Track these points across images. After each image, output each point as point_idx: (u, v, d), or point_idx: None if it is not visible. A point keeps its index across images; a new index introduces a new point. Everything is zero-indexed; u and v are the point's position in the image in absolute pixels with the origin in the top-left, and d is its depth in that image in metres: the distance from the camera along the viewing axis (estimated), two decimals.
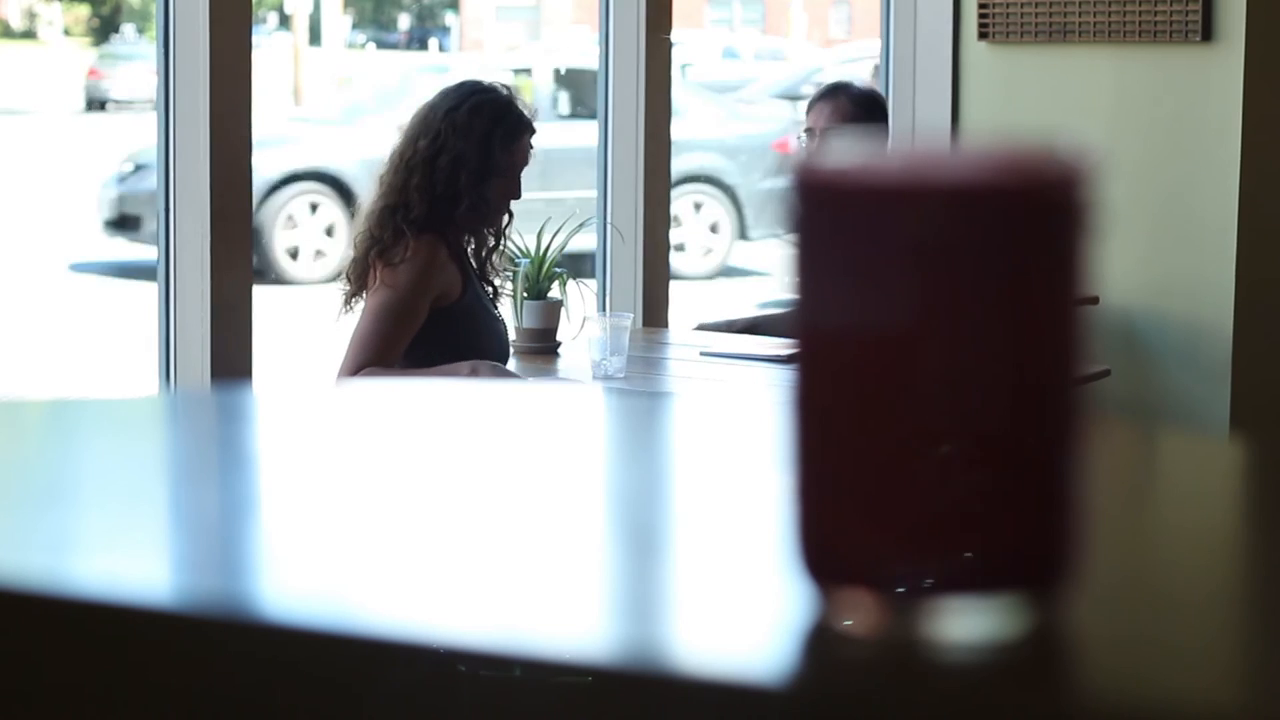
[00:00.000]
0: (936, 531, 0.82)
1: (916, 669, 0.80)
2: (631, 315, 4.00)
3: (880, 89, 4.70)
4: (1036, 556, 0.83)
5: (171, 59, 3.50)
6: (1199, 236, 4.41)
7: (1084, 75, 4.57)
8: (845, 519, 0.83)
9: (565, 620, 0.86)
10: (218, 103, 3.50)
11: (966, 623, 0.81)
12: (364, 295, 3.69)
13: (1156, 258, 4.45)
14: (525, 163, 3.76)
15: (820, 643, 0.83)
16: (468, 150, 3.68)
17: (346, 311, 3.74)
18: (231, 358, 3.57)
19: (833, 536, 0.84)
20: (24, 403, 1.42)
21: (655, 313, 4.61)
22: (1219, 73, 4.35)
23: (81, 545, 1.00)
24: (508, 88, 3.82)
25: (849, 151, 0.84)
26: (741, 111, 11.43)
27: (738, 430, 1.30)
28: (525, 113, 3.77)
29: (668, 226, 4.67)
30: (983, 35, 4.67)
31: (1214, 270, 4.37)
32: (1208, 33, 4.35)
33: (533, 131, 3.76)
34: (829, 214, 0.84)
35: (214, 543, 1.00)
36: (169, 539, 1.02)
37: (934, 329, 0.82)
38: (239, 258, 3.58)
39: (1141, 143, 4.46)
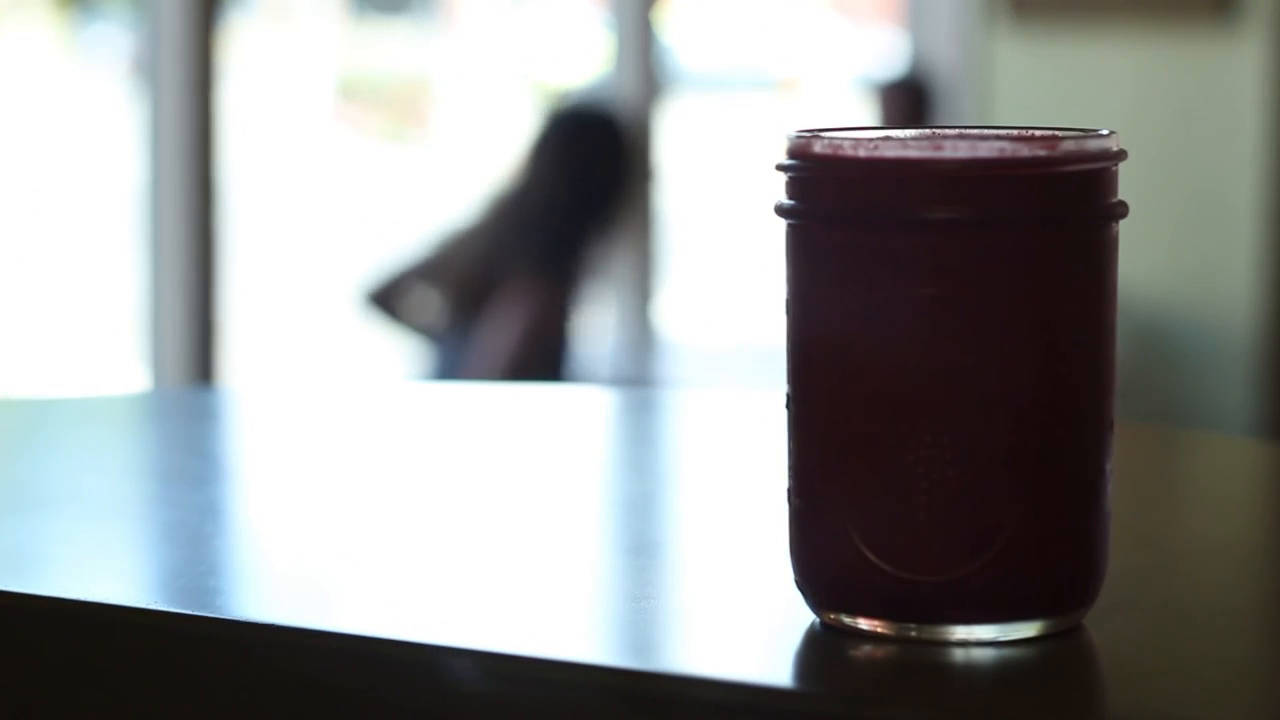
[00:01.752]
0: (953, 550, 0.78)
1: (921, 678, 0.77)
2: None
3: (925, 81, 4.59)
4: (1058, 578, 0.80)
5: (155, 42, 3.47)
6: (1222, 228, 4.37)
7: (1104, 60, 4.54)
8: (850, 540, 0.80)
9: (564, 622, 0.85)
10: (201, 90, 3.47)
11: (978, 635, 0.79)
12: (474, 314, 3.62)
13: (1178, 251, 4.41)
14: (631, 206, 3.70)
15: (821, 649, 0.81)
16: (575, 194, 3.62)
17: (443, 327, 3.66)
18: (211, 358, 3.55)
19: (837, 557, 0.80)
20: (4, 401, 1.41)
21: None
22: (1242, 55, 4.31)
23: (61, 547, 0.99)
24: (623, 124, 3.76)
25: (850, 125, 0.81)
26: None
27: (739, 433, 1.29)
28: (640, 156, 3.70)
29: None
30: (1018, 8, 4.61)
31: (1238, 264, 4.34)
32: (1224, 5, 4.31)
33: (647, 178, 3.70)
34: (830, 196, 0.79)
35: (204, 545, 0.99)
36: (171, 541, 1.02)
37: (948, 327, 0.78)
38: (218, 254, 3.56)
39: (1161, 130, 4.43)
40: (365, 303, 3.72)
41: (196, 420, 1.33)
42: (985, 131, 0.79)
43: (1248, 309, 4.34)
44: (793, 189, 0.81)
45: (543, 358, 3.62)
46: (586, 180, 3.63)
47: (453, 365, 3.64)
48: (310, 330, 5.87)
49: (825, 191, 0.80)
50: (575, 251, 3.63)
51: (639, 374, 3.93)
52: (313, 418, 1.32)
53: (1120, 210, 0.80)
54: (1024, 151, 0.78)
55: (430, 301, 3.72)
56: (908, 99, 4.25)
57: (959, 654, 0.78)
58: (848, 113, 5.74)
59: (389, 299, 3.70)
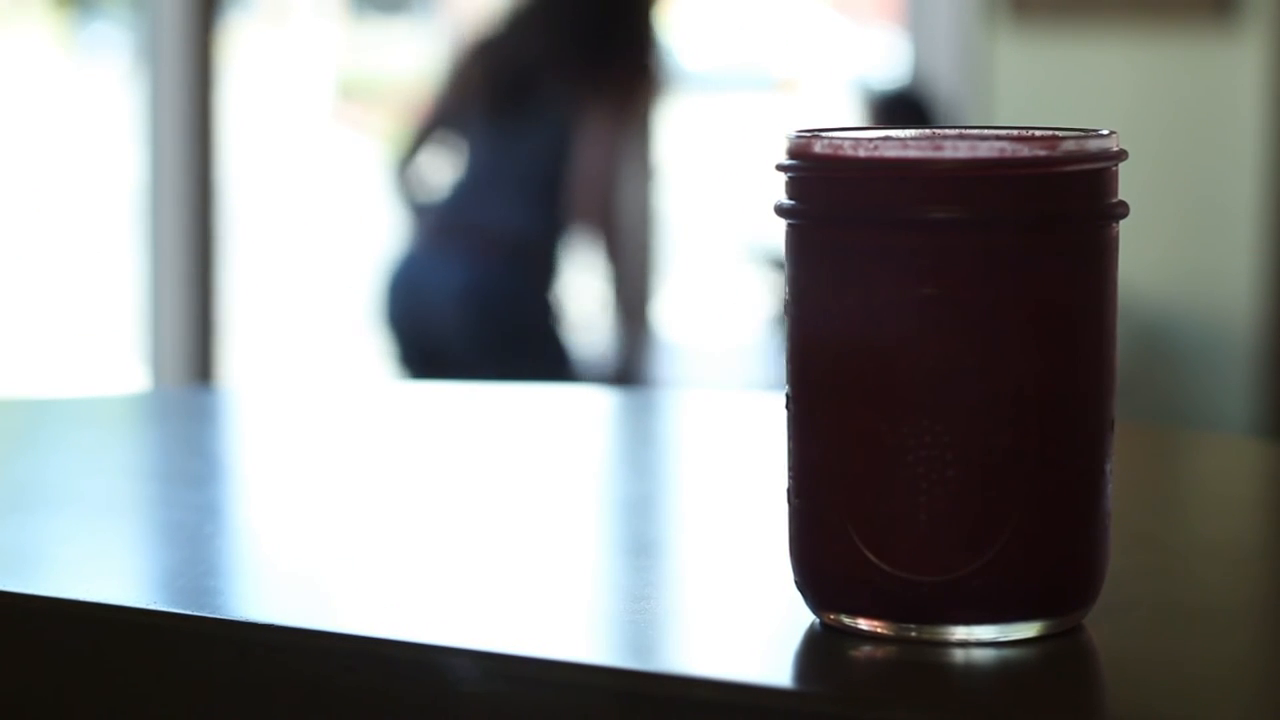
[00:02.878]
0: (953, 550, 0.78)
1: (921, 678, 0.77)
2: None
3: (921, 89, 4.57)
4: (1058, 578, 0.79)
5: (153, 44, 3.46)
6: (1222, 228, 4.36)
7: (1104, 61, 4.52)
8: (850, 540, 0.79)
9: (564, 622, 0.84)
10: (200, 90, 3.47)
11: (978, 635, 0.79)
12: (563, 117, 3.59)
13: (1178, 251, 4.40)
14: None
15: (821, 649, 0.80)
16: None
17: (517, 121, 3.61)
18: (211, 358, 3.54)
19: (837, 558, 0.80)
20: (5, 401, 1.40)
21: None
22: (1242, 55, 4.30)
23: (61, 547, 0.98)
24: None
25: (850, 125, 0.81)
26: None
27: (739, 433, 1.28)
28: None
29: None
30: (1018, 8, 4.60)
31: (1238, 264, 4.33)
32: (1224, 5, 4.30)
33: None
34: (830, 196, 0.79)
35: (204, 545, 0.99)
36: (171, 541, 1.01)
37: (947, 327, 0.77)
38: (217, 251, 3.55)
39: (1161, 130, 4.42)
40: (397, 177, 3.67)
41: (196, 420, 1.33)
42: (985, 131, 0.79)
43: (1248, 309, 4.33)
44: (793, 189, 0.81)
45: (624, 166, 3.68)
46: None
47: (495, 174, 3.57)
48: (310, 330, 5.86)
49: (825, 191, 0.80)
50: (630, 60, 3.64)
51: (639, 374, 3.92)
52: (313, 418, 1.32)
53: (1120, 210, 0.80)
54: (1024, 151, 0.78)
55: (450, 147, 3.67)
56: (901, 117, 4.20)
57: (959, 654, 0.78)
58: (848, 113, 5.73)
59: (415, 164, 3.66)
